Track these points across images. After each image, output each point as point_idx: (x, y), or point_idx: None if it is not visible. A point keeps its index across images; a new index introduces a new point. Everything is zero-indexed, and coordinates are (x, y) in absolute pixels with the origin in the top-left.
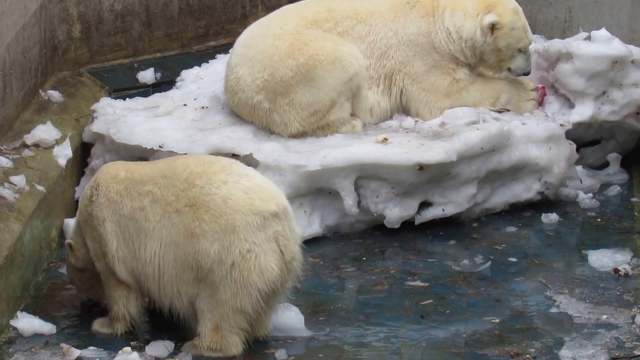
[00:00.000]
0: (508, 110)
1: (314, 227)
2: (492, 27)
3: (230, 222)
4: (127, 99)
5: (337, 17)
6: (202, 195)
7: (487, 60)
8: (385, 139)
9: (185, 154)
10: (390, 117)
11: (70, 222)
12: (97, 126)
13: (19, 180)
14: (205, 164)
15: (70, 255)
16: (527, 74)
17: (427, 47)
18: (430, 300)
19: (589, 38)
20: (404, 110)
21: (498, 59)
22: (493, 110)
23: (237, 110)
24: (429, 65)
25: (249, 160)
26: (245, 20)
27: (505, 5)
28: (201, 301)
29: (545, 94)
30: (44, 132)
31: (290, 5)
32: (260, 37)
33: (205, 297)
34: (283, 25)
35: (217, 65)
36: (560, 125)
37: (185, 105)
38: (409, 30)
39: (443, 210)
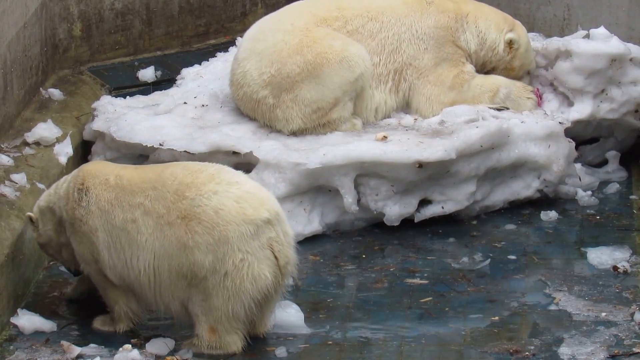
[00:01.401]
0: (507, 108)
1: (314, 225)
2: (510, 44)
3: (223, 233)
4: (128, 97)
5: (348, 16)
6: (193, 207)
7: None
8: (385, 137)
9: (185, 151)
10: (390, 115)
11: None
12: (97, 124)
13: (19, 178)
14: (194, 174)
15: (32, 229)
16: None
17: (442, 40)
18: (430, 298)
19: (587, 36)
20: (408, 106)
21: (508, 77)
22: (492, 108)
23: (240, 104)
24: (440, 58)
25: (249, 158)
26: (245, 18)
27: (522, 29)
28: (194, 305)
29: (540, 96)
30: (45, 130)
31: (302, 1)
32: (269, 32)
33: (197, 302)
34: (293, 22)
35: (217, 64)
36: (559, 123)
37: (185, 103)
38: (425, 24)
39: (442, 208)
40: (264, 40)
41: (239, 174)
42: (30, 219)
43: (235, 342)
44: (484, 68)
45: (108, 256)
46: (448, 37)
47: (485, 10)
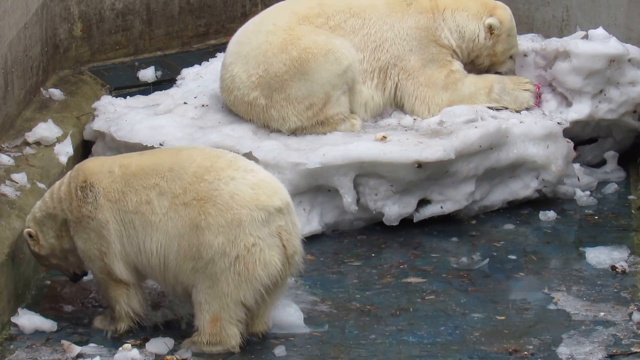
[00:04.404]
0: (506, 108)
1: (313, 225)
2: (491, 30)
3: (236, 216)
4: (128, 97)
5: (329, 12)
6: (211, 190)
7: (479, 64)
8: (384, 137)
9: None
10: (390, 115)
11: None
12: (98, 124)
13: (20, 177)
14: (212, 158)
15: (32, 244)
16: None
17: (425, 41)
18: (429, 297)
19: (586, 37)
20: (398, 106)
21: (490, 62)
22: (491, 108)
23: (234, 108)
24: (426, 59)
25: (249, 158)
26: (245, 19)
27: (504, 12)
28: (199, 293)
29: (540, 93)
30: (46, 130)
31: (283, 2)
32: (253, 34)
33: (203, 289)
34: (275, 22)
35: (217, 64)
36: (558, 123)
37: (185, 103)
38: (406, 25)
39: (442, 207)
40: (248, 43)
41: (254, 163)
42: (29, 234)
43: (234, 336)
44: (469, 57)
45: (120, 246)
46: (430, 38)
47: (463, 0)
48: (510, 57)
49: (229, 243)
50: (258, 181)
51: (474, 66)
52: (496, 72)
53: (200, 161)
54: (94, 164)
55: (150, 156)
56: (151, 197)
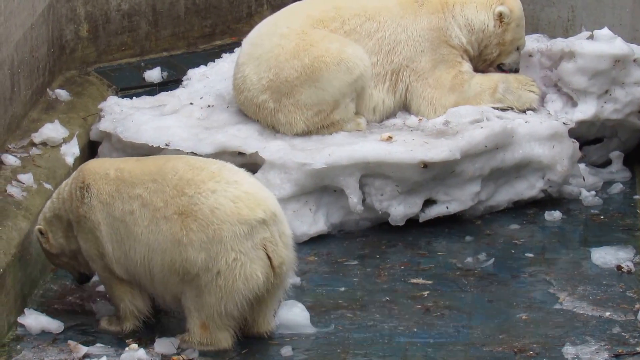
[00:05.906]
0: (511, 109)
1: (319, 225)
2: (501, 18)
3: (217, 232)
4: (134, 97)
5: (345, 16)
6: (191, 205)
7: (487, 54)
8: (390, 137)
9: (191, 152)
10: (395, 115)
11: None
12: (104, 125)
13: (26, 178)
14: (195, 170)
15: (43, 241)
16: (516, 71)
17: (437, 41)
18: (434, 297)
19: (591, 37)
20: (406, 108)
21: (499, 52)
22: (496, 108)
23: (243, 108)
24: (437, 60)
25: (255, 159)
26: (251, 19)
27: (514, 1)
28: (187, 300)
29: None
30: (52, 130)
31: (298, 3)
32: (266, 36)
33: (191, 297)
34: (289, 24)
35: (223, 64)
36: (564, 123)
37: (191, 104)
38: (419, 26)
39: (447, 208)
40: (261, 45)
41: (240, 173)
42: (40, 231)
43: (226, 339)
44: (479, 48)
45: (112, 249)
46: (441, 38)
47: None
48: (517, 48)
49: (210, 259)
50: (240, 193)
51: (481, 58)
52: (501, 63)
53: (183, 173)
54: (94, 165)
55: (142, 163)
56: (134, 208)
